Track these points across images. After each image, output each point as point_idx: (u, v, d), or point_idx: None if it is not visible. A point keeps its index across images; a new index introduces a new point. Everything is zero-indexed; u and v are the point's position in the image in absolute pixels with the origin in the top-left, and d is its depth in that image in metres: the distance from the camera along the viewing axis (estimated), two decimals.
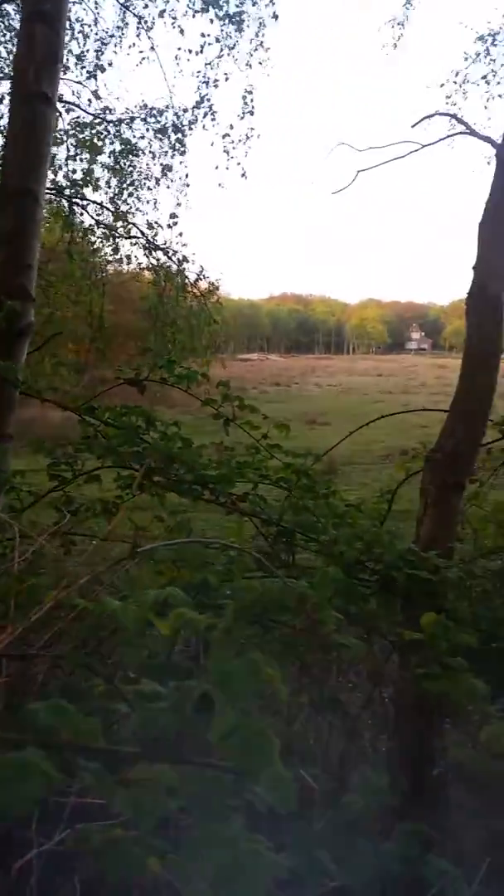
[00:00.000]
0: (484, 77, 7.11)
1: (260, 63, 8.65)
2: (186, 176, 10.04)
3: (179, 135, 9.50)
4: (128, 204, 10.09)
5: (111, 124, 9.56)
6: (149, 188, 10.09)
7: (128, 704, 1.09)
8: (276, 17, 8.42)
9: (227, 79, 8.83)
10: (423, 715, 2.17)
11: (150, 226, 10.35)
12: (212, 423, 3.10)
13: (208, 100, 9.04)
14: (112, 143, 9.62)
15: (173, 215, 10.23)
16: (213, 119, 9.16)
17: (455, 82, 7.21)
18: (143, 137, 9.72)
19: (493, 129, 4.02)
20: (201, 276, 10.85)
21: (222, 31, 8.38)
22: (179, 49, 8.63)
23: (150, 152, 9.82)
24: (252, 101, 9.03)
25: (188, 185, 10.08)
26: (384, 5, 8.21)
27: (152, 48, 8.79)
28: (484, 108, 7.39)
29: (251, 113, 9.14)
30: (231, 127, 9.13)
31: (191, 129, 9.48)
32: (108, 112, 9.52)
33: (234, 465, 2.86)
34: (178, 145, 9.61)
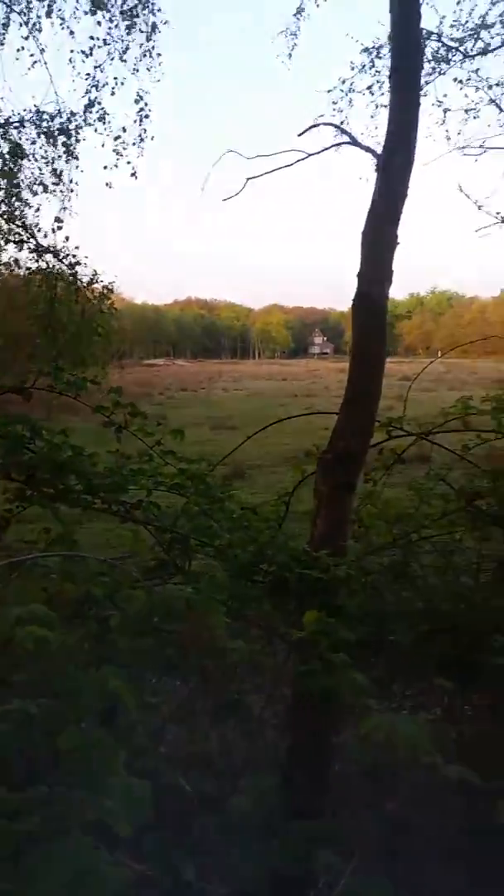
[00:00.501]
0: (369, 87, 7.31)
1: (148, 69, 8.63)
2: (72, 181, 9.83)
3: (64, 137, 9.27)
4: (13, 207, 9.74)
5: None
6: (36, 193, 9.79)
7: None
8: (166, 22, 8.42)
9: (121, 83, 8.72)
10: (319, 711, 2.22)
11: (39, 229, 10.04)
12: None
13: (99, 103, 8.88)
14: None
15: (58, 219, 9.98)
16: (103, 122, 9.00)
17: (342, 90, 7.40)
18: (34, 142, 9.44)
19: (379, 138, 4.21)
20: (95, 280, 10.63)
21: (109, 34, 8.27)
22: (72, 51, 8.44)
23: (41, 157, 9.54)
24: (146, 104, 8.97)
25: (73, 191, 9.88)
26: (280, 14, 8.33)
27: (42, 50, 8.56)
28: (371, 117, 7.62)
29: (146, 116, 9.08)
30: (124, 130, 9.02)
31: (77, 133, 9.28)
32: None
33: (127, 473, 2.81)
34: (68, 149, 9.39)
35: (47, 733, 0.73)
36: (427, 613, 3.06)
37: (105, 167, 9.19)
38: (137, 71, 8.51)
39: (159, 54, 8.60)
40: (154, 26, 8.44)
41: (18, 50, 8.52)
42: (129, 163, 9.24)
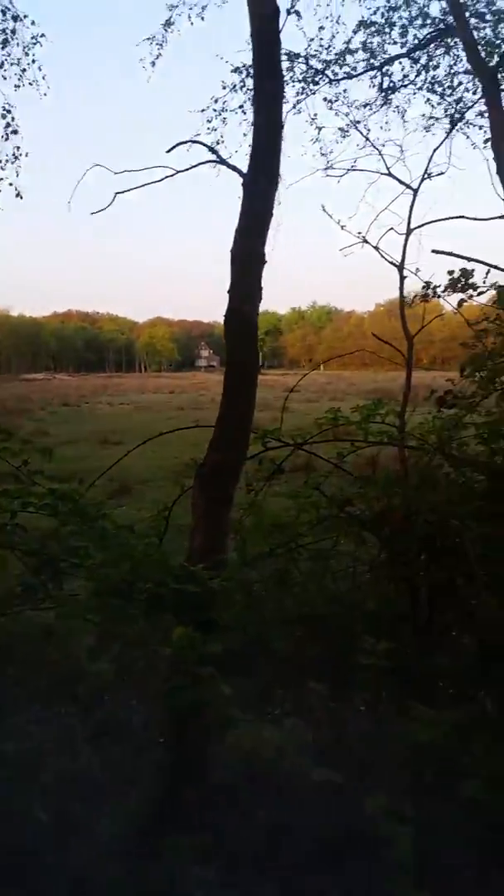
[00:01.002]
0: (241, 106, 7.48)
1: (16, 85, 8.38)
2: None
3: None
4: None
5: None
6: None
7: None
8: (42, 35, 8.22)
9: None
10: (195, 725, 2.21)
11: None
12: None
13: None
14: None
15: None
16: None
17: (215, 110, 7.53)
18: None
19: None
20: None
21: None
22: None
23: None
24: (13, 119, 8.67)
25: None
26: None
27: None
28: (244, 135, 7.78)
29: (14, 132, 8.79)
30: None
31: None
32: None
33: None
34: None
35: None
36: (305, 619, 3.14)
37: None
38: (19, 88, 8.24)
39: (40, 68, 8.37)
40: (33, 40, 8.21)
41: None
42: (10, 184, 8.91)
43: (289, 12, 4.62)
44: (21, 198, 9.06)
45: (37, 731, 2.18)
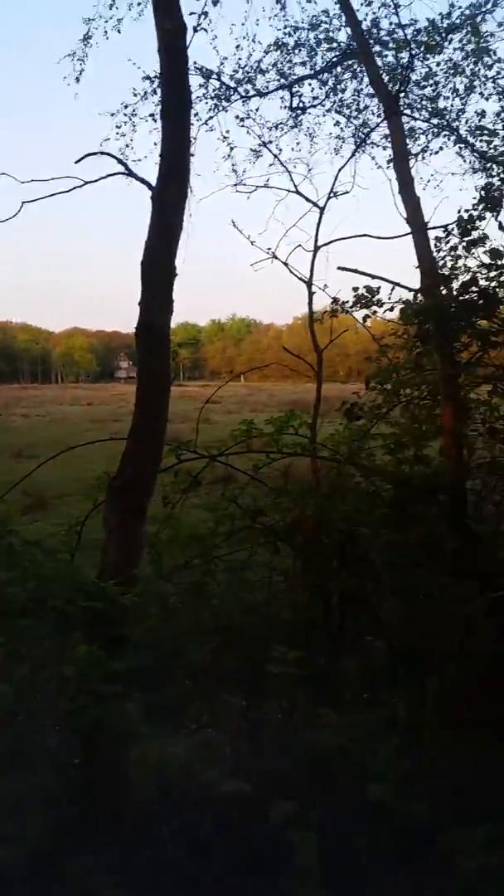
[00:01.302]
0: (152, 115, 7.40)
1: None
2: None
3: None
4: None
5: None
6: None
7: None
8: None
9: None
10: (104, 743, 2.17)
11: None
12: None
13: None
14: None
15: None
16: None
17: (125, 114, 7.42)
18: None
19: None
20: None
21: None
22: None
23: None
24: None
25: None
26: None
27: None
28: (154, 144, 7.70)
29: None
30: None
31: None
32: None
33: None
34: None
35: None
36: (220, 631, 3.15)
37: None
38: None
39: None
40: None
41: None
42: None
43: (195, 30, 4.69)
44: None
45: None
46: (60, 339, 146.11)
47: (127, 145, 7.19)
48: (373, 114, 7.12)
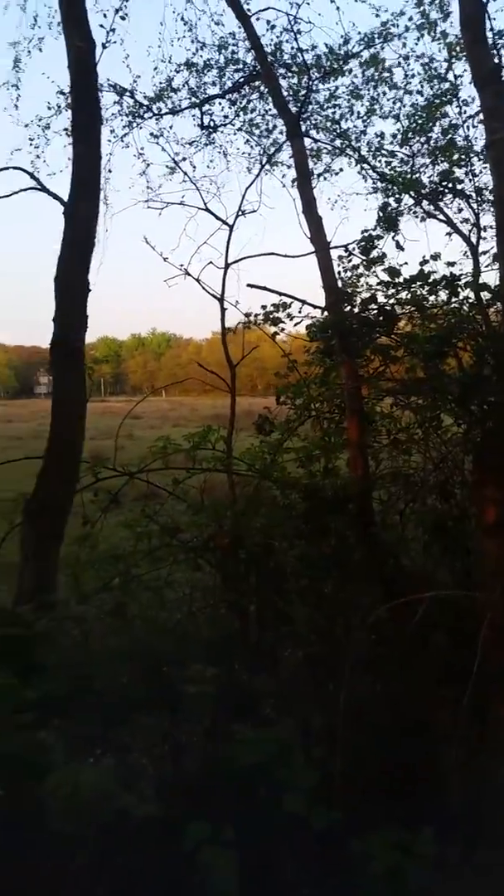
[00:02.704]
0: (66, 129, 7.32)
1: None
2: None
3: None
4: None
5: None
6: None
7: None
8: None
9: None
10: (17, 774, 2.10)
11: None
12: None
13: None
14: None
15: None
16: None
17: (40, 126, 7.31)
18: None
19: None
20: None
21: None
22: None
23: None
24: None
25: None
26: None
27: None
28: (68, 159, 7.61)
29: None
30: None
31: None
32: None
33: None
34: None
35: None
36: (136, 652, 3.11)
37: None
38: None
39: None
40: None
41: None
42: None
43: (104, 46, 4.69)
44: None
45: None
46: None
47: (38, 156, 7.11)
48: (281, 133, 7.36)
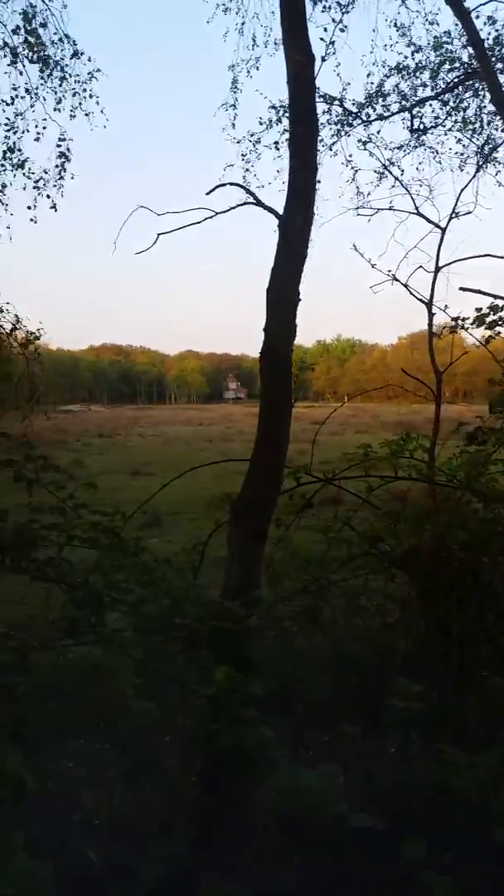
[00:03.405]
0: (275, 143, 7.63)
1: (71, 115, 8.74)
2: None
3: None
4: None
5: None
6: None
7: None
8: (98, 70, 8.64)
9: (43, 128, 8.80)
10: (233, 767, 2.22)
11: None
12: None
13: (19, 150, 8.91)
14: None
15: None
16: (22, 169, 9.04)
17: (251, 141, 7.70)
18: None
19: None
20: (17, 327, 10.35)
21: (30, 82, 8.39)
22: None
23: None
24: (67, 147, 9.07)
25: None
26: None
27: None
28: (277, 171, 7.92)
29: (68, 160, 9.16)
30: (46, 172, 9.04)
31: None
32: None
33: (38, 529, 2.77)
34: None
35: None
36: (336, 658, 3.14)
37: (29, 207, 9.11)
38: (74, 117, 8.60)
39: (98, 102, 8.76)
40: (90, 75, 8.61)
41: None
42: (48, 196, 9.20)
43: (323, 59, 4.80)
44: (55, 210, 9.35)
45: (74, 768, 2.21)
46: (174, 362, 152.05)
47: (247, 170, 7.50)
48: (497, 129, 7.00)
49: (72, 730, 1.91)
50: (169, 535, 11.01)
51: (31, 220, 9.19)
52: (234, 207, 4.43)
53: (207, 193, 4.47)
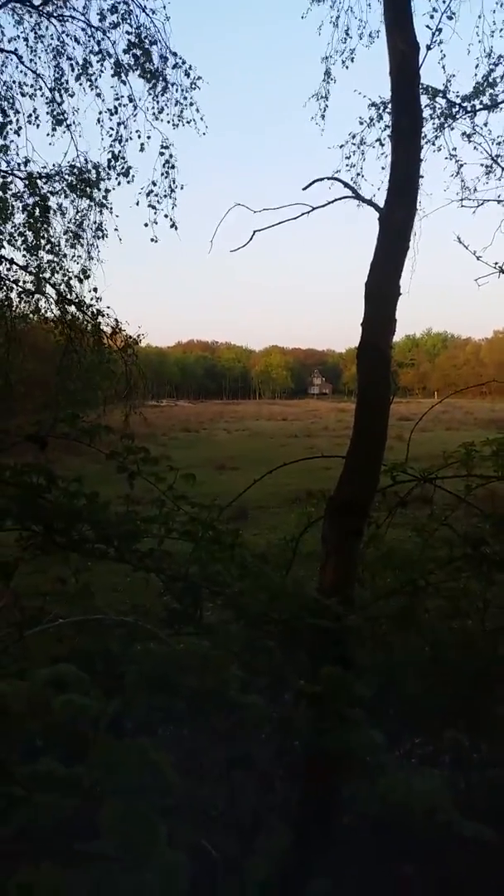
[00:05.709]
0: (378, 140, 7.51)
1: (174, 124, 9.00)
2: (98, 228, 10.18)
3: (90, 189, 9.67)
4: (38, 258, 10.01)
5: (23, 181, 9.55)
6: (71, 244, 10.13)
7: (22, 788, 1.05)
8: (199, 78, 8.86)
9: (147, 138, 9.10)
10: (329, 765, 2.20)
11: (63, 281, 10.26)
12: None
13: (123, 158, 9.25)
14: (23, 199, 9.62)
15: (84, 270, 10.27)
16: (126, 176, 9.38)
17: (354, 143, 7.61)
18: (65, 195, 9.85)
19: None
20: (117, 330, 10.74)
21: (133, 92, 8.71)
22: (101, 112, 8.94)
23: (73, 207, 9.95)
24: (171, 155, 9.33)
25: (102, 238, 10.22)
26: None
27: (75, 111, 9.16)
28: (382, 168, 7.79)
29: (172, 167, 9.42)
30: (154, 184, 9.32)
31: (99, 185, 9.69)
32: (18, 168, 9.53)
33: (140, 521, 2.84)
34: (93, 200, 9.80)
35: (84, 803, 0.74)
36: (434, 662, 3.05)
37: (146, 224, 9.41)
38: (177, 127, 8.92)
39: (198, 109, 9.02)
40: (191, 84, 8.88)
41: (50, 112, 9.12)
42: (166, 216, 9.49)
43: (429, 48, 4.63)
44: (176, 228, 9.61)
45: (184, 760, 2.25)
46: (259, 358, 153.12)
47: (359, 174, 7.43)
48: None
49: (176, 721, 1.94)
50: (254, 529, 11.09)
51: (152, 239, 9.54)
52: (331, 202, 4.35)
53: (304, 188, 4.40)
